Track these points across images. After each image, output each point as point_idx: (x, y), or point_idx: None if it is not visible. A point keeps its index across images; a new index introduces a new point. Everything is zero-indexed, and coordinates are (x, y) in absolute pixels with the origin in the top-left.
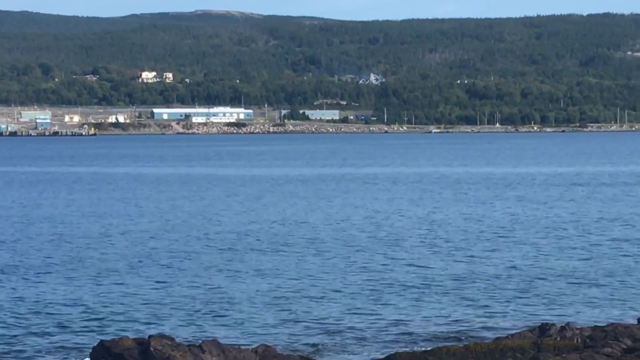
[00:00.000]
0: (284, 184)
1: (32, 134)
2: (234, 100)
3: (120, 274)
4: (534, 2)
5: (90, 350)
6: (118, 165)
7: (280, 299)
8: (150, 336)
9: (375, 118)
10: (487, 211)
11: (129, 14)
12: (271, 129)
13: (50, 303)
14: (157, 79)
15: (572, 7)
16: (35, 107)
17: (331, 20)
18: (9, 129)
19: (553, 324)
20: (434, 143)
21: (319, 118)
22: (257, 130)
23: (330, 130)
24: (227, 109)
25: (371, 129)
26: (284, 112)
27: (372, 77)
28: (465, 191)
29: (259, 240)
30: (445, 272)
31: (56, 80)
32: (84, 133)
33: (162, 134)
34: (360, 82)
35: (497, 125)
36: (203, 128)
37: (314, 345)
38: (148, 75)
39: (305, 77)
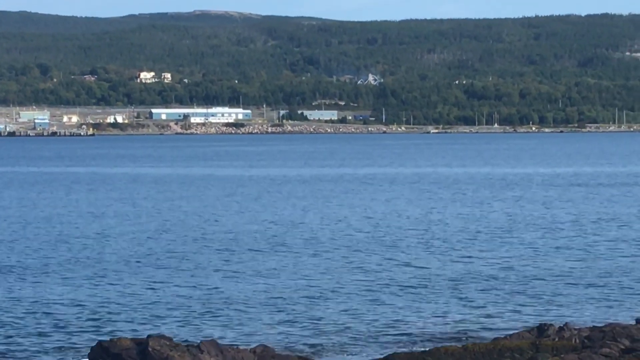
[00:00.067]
0: (282, 185)
1: (31, 134)
2: (233, 101)
3: (119, 274)
4: (532, 3)
5: (89, 351)
6: (116, 166)
7: (278, 299)
8: (148, 336)
9: (373, 118)
10: (485, 211)
11: (127, 14)
12: (269, 130)
13: (48, 303)
14: (156, 79)
15: (571, 7)
16: (34, 107)
17: (329, 21)
18: (8, 129)
19: (551, 325)
20: (433, 143)
21: (317, 118)
22: (255, 131)
23: (329, 130)
24: (226, 109)
25: (369, 129)
26: (282, 112)
27: (371, 78)
28: (464, 191)
29: (257, 240)
30: (443, 272)
31: (54, 80)
32: (82, 133)
33: (161, 134)
34: (359, 82)
35: (496, 125)
36: (201, 128)
37: (312, 345)
38: (146, 76)
39: (303, 78)
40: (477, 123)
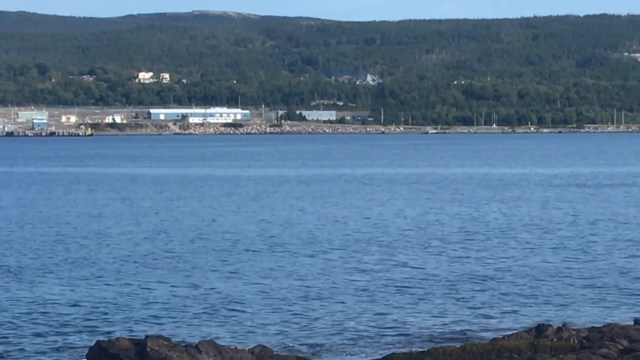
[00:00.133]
0: (280, 185)
1: (29, 135)
2: (231, 101)
3: (117, 274)
4: (530, 3)
5: (87, 351)
6: (115, 166)
7: (277, 300)
8: (146, 336)
9: (372, 119)
10: (484, 212)
11: (125, 14)
12: (268, 130)
13: (46, 303)
14: (154, 80)
15: (569, 8)
16: (32, 107)
17: (328, 21)
18: (6, 129)
19: (549, 325)
20: (431, 144)
21: (315, 119)
22: (254, 131)
23: (327, 130)
24: (224, 110)
25: (368, 129)
26: (280, 112)
27: (369, 78)
28: (462, 192)
29: (255, 240)
30: (441, 272)
31: (53, 80)
32: (80, 133)
33: (159, 134)
34: (357, 82)
35: (494, 126)
36: (200, 128)
37: (310, 345)
38: (145, 76)
39: (302, 78)
40: (475, 123)
